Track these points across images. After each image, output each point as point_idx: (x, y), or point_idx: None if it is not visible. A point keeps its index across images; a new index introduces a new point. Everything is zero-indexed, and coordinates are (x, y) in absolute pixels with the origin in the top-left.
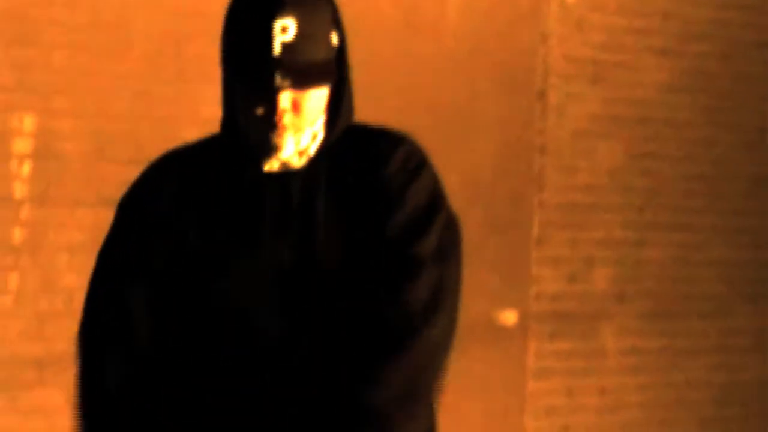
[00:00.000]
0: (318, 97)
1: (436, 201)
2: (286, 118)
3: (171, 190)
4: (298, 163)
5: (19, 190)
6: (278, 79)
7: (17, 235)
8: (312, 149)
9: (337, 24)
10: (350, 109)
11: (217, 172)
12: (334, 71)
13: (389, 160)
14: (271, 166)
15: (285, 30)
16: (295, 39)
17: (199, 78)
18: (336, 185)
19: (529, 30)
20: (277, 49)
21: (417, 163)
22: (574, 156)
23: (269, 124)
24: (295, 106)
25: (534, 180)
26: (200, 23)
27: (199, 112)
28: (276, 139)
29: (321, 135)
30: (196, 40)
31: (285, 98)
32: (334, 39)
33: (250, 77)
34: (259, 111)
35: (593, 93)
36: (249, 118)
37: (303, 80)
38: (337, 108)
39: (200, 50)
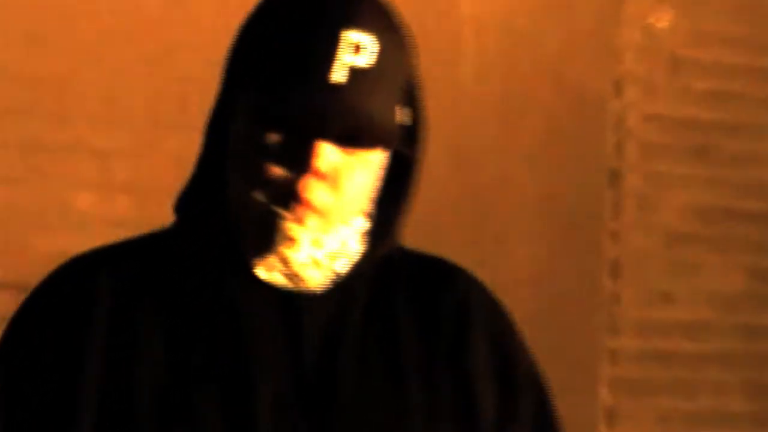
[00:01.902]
0: (365, 177)
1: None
2: (315, 191)
3: (101, 307)
4: (314, 280)
5: None
6: (327, 119)
7: None
8: (339, 266)
9: (411, 96)
10: (403, 220)
11: (177, 278)
12: (393, 144)
13: (474, 307)
14: (272, 274)
15: (358, 49)
16: (369, 68)
17: None
18: (379, 337)
19: (594, 75)
20: (339, 72)
21: (503, 312)
22: (667, 278)
23: (286, 193)
24: (333, 177)
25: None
26: None
27: None
28: (290, 224)
29: (355, 247)
30: None
31: (325, 153)
32: (403, 115)
33: (279, 105)
34: (275, 168)
35: (694, 174)
36: (254, 175)
37: (359, 134)
38: (391, 209)
39: None
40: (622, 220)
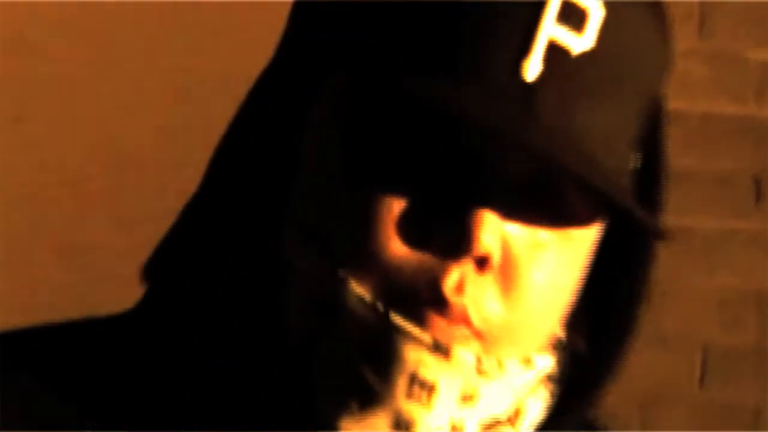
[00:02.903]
0: (564, 268)
1: None
2: (479, 293)
3: None
4: None
5: None
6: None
7: None
8: None
9: (653, 121)
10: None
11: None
12: (624, 203)
13: None
14: None
15: (569, 16)
16: (589, 52)
17: None
18: None
19: None
20: (536, 64)
21: None
22: None
23: (419, 290)
24: (508, 267)
25: None
26: None
27: None
28: (425, 355)
29: (535, 408)
30: None
31: (496, 220)
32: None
33: (450, 97)
34: (398, 235)
35: None
36: (350, 241)
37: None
38: (611, 332)
39: None
40: None
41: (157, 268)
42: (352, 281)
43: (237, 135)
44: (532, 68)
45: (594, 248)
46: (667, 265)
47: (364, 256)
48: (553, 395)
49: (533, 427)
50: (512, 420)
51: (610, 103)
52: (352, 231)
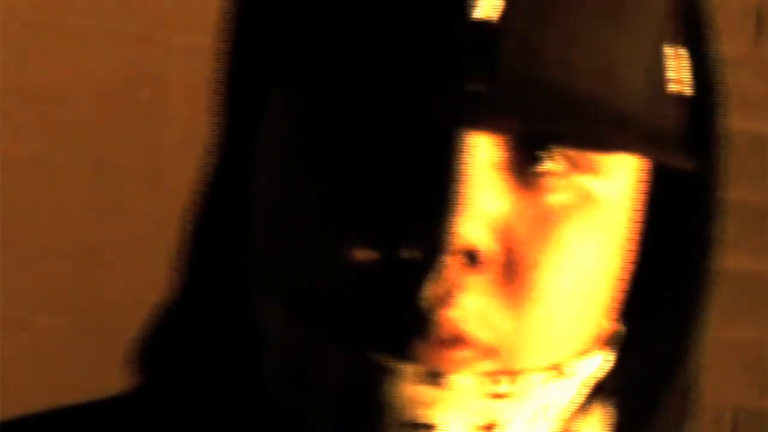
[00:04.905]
0: (589, 240)
1: None
2: (472, 298)
3: None
4: None
5: None
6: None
7: None
8: None
9: (693, 31)
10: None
11: None
12: (655, 147)
13: None
14: None
15: None
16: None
17: None
18: None
19: None
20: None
21: None
22: None
23: (399, 310)
24: (507, 261)
25: None
26: None
27: None
28: (422, 389)
29: (587, 427)
30: None
31: (491, 180)
32: (679, 76)
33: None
34: (363, 247)
35: None
36: (317, 257)
37: (563, 123)
38: (675, 312)
39: None
40: None
41: (150, 355)
42: (324, 332)
43: (199, 196)
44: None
45: (639, 208)
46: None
47: (334, 292)
48: (620, 411)
49: None
50: None
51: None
52: (324, 268)
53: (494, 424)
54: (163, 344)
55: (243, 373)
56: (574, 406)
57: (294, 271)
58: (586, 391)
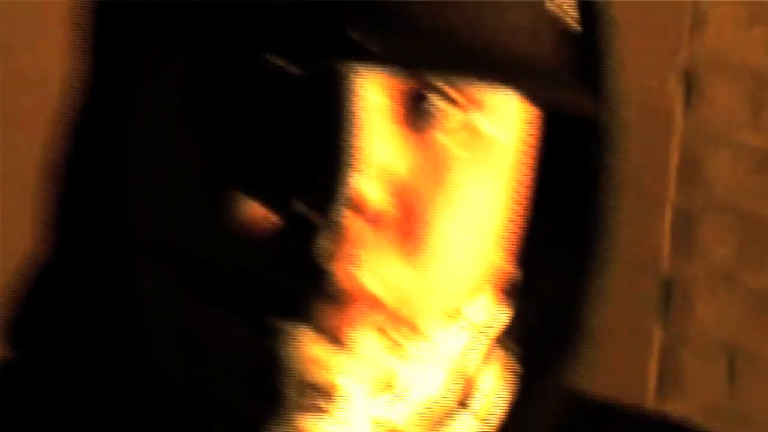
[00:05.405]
0: (477, 181)
1: None
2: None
3: None
4: None
5: None
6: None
7: None
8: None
9: None
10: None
11: None
12: (540, 84)
13: None
14: None
15: None
16: None
17: None
18: None
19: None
20: None
21: None
22: None
23: (285, 260)
24: (401, 211)
25: None
26: None
27: None
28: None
29: (488, 385)
30: None
31: (368, 163)
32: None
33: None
34: (254, 199)
35: None
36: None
37: (443, 57)
38: (566, 265)
39: None
40: None
41: (21, 327)
42: (215, 298)
43: (66, 155)
44: None
45: (530, 151)
46: None
47: (224, 255)
48: (521, 359)
49: (502, 407)
50: (464, 401)
51: None
52: (213, 230)
53: (394, 378)
54: (32, 314)
55: (124, 346)
56: (475, 357)
57: (180, 235)
58: (487, 341)
